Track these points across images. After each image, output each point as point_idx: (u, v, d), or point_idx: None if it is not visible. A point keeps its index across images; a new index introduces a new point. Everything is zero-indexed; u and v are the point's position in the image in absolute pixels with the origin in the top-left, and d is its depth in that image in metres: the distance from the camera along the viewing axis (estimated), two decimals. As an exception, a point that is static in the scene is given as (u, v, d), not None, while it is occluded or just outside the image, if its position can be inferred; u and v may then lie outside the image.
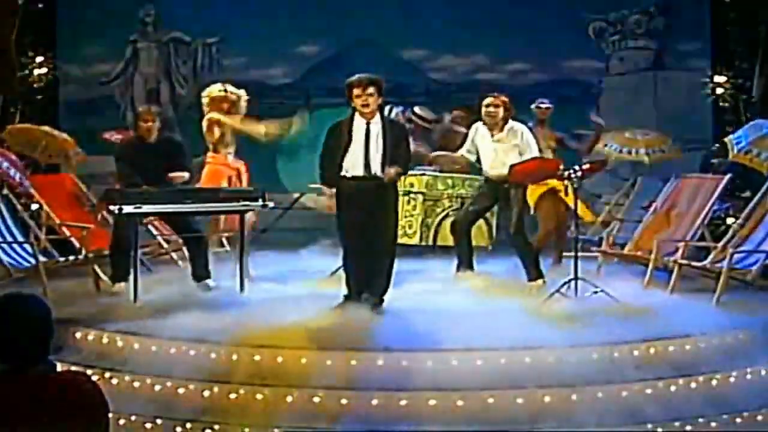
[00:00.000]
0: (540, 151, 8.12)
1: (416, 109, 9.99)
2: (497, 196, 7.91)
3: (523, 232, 7.82)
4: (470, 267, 8.05)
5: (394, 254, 6.96)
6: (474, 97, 8.27)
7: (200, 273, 7.66)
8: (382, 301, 6.84)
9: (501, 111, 7.78)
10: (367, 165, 6.77)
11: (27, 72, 10.98)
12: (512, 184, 7.71)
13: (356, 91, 6.77)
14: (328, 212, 7.03)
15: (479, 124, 7.96)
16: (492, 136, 7.84)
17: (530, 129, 8.20)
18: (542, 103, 9.01)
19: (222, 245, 8.91)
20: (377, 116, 6.84)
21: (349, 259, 6.94)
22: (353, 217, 6.82)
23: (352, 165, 6.80)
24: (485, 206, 8.13)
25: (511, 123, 7.82)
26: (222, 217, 8.32)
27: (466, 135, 8.18)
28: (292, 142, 9.82)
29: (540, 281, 7.71)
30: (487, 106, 7.79)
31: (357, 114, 6.83)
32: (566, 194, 8.26)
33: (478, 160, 8.00)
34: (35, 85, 10.98)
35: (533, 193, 8.61)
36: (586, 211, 8.74)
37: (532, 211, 8.73)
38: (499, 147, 7.81)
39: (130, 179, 7.64)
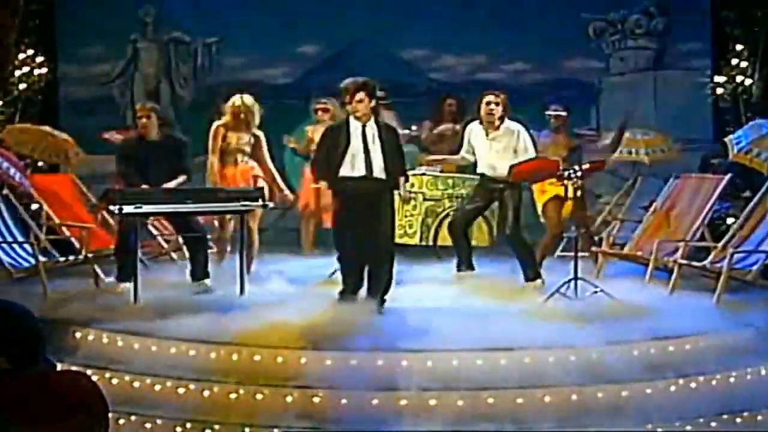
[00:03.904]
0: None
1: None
2: (492, 197, 7.93)
3: (519, 232, 7.83)
4: (470, 267, 8.05)
5: (393, 253, 7.04)
6: (474, 98, 8.29)
7: (199, 273, 7.67)
8: (384, 300, 6.86)
9: (500, 109, 7.81)
10: (369, 166, 6.88)
11: (27, 72, 10.96)
12: (507, 184, 7.73)
13: (345, 98, 6.92)
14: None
15: (473, 124, 8.02)
16: (487, 134, 7.87)
17: (545, 136, 8.28)
18: (556, 109, 8.98)
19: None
20: (372, 119, 6.95)
21: (346, 258, 7.00)
22: (353, 217, 6.89)
23: (352, 166, 6.89)
24: (480, 206, 8.12)
25: (507, 122, 7.85)
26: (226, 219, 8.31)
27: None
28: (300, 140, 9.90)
29: (538, 281, 7.72)
30: (488, 103, 7.82)
31: (351, 118, 6.94)
32: (566, 194, 8.27)
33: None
34: (35, 85, 10.96)
35: (541, 197, 8.64)
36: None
37: (540, 216, 8.77)
38: (495, 145, 7.84)
39: (129, 178, 7.66)
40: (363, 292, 6.98)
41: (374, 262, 6.96)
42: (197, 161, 8.32)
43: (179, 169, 7.77)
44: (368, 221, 6.87)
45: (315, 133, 9.13)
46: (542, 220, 8.79)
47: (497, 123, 7.83)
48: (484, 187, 7.98)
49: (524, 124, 8.00)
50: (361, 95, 6.85)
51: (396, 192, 7.21)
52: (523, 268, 7.80)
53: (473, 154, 8.04)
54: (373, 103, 6.94)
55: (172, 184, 7.65)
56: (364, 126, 6.90)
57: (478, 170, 8.07)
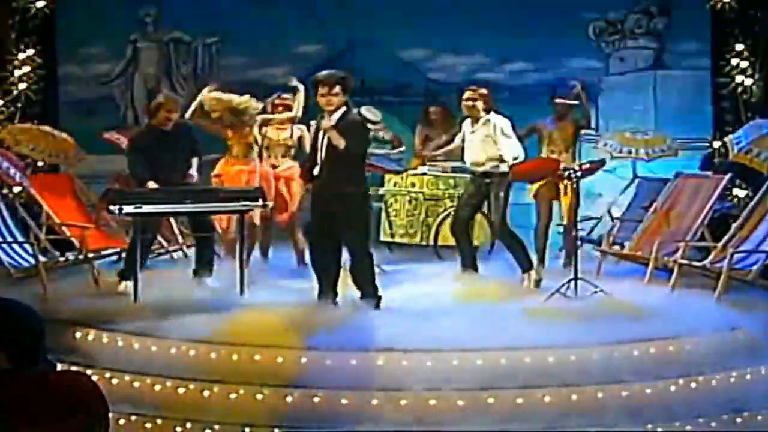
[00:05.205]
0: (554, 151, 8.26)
1: (363, 109, 8.76)
2: (482, 191, 7.93)
3: (507, 225, 7.84)
4: (473, 267, 8.04)
5: (368, 250, 6.93)
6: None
7: (203, 270, 7.68)
8: (379, 297, 6.84)
9: (479, 104, 7.83)
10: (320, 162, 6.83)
11: (27, 72, 10.95)
12: (494, 178, 7.74)
13: (321, 90, 6.76)
14: None
15: (468, 119, 8.06)
16: (471, 128, 7.92)
17: (550, 123, 8.37)
18: (563, 98, 8.95)
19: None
20: (338, 113, 6.77)
21: (316, 256, 6.95)
22: (319, 215, 6.87)
23: (318, 165, 6.87)
24: (476, 203, 8.11)
25: (487, 115, 7.85)
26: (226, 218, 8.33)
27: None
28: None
29: (533, 271, 7.72)
30: (466, 99, 7.88)
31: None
32: (566, 194, 8.28)
33: None
34: (35, 86, 10.95)
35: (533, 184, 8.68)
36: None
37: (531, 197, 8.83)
38: (474, 139, 7.88)
39: (138, 170, 7.66)
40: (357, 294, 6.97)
41: (352, 266, 6.92)
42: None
43: (193, 152, 7.89)
44: (335, 220, 6.77)
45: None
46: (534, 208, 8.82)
47: (478, 116, 7.86)
48: (475, 183, 8.01)
49: (510, 119, 7.99)
50: (338, 89, 6.74)
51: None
52: (517, 260, 7.81)
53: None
54: (345, 97, 6.80)
55: (194, 169, 7.80)
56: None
57: (466, 165, 8.15)
